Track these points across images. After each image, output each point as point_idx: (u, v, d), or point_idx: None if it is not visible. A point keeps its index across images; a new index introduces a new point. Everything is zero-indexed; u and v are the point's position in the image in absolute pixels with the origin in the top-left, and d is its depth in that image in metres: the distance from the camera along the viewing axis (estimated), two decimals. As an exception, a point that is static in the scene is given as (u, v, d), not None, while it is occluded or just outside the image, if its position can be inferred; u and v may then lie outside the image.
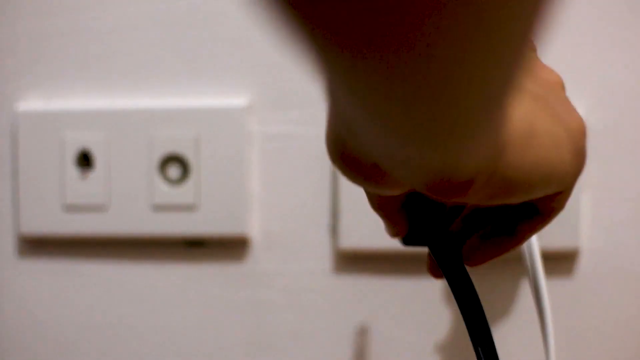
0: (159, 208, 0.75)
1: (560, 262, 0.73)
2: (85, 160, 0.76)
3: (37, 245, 0.78)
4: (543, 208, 0.48)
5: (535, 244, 0.62)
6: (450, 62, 0.29)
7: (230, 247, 0.76)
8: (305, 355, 0.75)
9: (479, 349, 0.48)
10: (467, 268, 0.51)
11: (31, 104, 0.77)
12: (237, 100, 0.75)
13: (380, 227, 0.76)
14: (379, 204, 0.50)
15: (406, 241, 0.50)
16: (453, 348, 0.74)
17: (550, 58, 0.73)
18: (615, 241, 0.72)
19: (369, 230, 0.73)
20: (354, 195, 0.73)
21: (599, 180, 0.72)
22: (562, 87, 0.49)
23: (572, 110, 0.47)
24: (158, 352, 0.77)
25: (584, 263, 0.73)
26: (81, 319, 0.78)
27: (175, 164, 0.75)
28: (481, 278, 0.73)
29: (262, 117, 0.75)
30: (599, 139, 0.72)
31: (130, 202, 0.75)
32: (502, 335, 0.73)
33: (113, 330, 0.77)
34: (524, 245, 0.63)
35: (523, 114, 0.42)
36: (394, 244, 0.73)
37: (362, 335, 0.75)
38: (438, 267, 0.50)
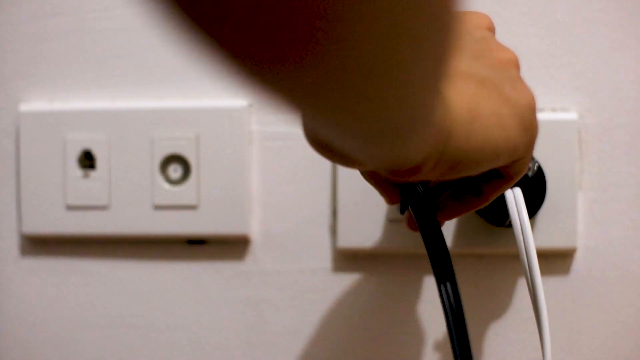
0: (160, 207, 0.75)
1: (557, 260, 0.73)
2: (87, 160, 0.76)
3: (40, 245, 0.78)
4: (504, 173, 0.52)
5: (532, 243, 0.63)
6: (361, 71, 0.30)
7: (230, 247, 0.76)
8: (305, 354, 0.76)
9: (441, 286, 0.53)
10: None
11: (33, 104, 0.77)
12: (237, 100, 0.75)
13: (380, 227, 0.76)
14: (369, 174, 0.54)
15: (402, 208, 0.55)
16: (451, 346, 0.74)
17: (548, 58, 0.74)
18: (612, 240, 0.73)
19: (368, 230, 0.73)
20: (354, 195, 0.73)
21: (595, 180, 0.73)
22: (515, 64, 0.51)
23: (520, 87, 0.50)
24: (159, 350, 0.77)
25: (580, 262, 0.73)
26: (83, 318, 0.78)
27: (176, 164, 0.75)
28: (478, 277, 0.74)
29: (262, 117, 0.76)
30: (595, 138, 0.73)
31: (132, 201, 0.76)
32: (499, 333, 0.74)
33: (115, 328, 0.78)
34: (521, 244, 0.63)
35: (466, 101, 0.45)
36: (393, 244, 0.74)
37: (362, 334, 0.75)
38: (415, 221, 0.55)
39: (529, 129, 0.49)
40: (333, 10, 0.26)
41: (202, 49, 0.29)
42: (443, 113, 0.42)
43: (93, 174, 0.76)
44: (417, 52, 0.32)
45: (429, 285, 0.74)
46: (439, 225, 0.54)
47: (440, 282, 0.53)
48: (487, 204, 0.56)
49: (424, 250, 0.73)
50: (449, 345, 0.74)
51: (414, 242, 0.72)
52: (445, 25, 0.32)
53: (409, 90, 0.34)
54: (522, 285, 0.73)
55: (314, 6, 0.26)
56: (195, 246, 0.77)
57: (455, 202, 0.57)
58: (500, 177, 0.53)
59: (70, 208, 0.76)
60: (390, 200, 0.55)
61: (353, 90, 0.31)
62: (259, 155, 0.76)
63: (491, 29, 0.53)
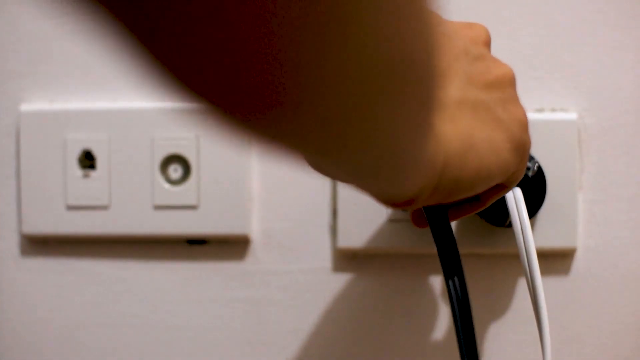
0: (160, 207, 0.75)
1: (557, 260, 0.73)
2: (87, 160, 0.76)
3: (40, 245, 0.78)
4: (501, 183, 0.53)
5: (532, 243, 0.63)
6: (335, 120, 0.31)
7: (230, 247, 0.76)
8: (305, 354, 0.76)
9: (450, 282, 0.55)
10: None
11: (34, 104, 0.77)
12: (237, 100, 0.75)
13: (380, 227, 0.76)
14: None
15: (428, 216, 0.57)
16: (452, 348, 0.74)
17: (548, 58, 0.74)
18: (612, 240, 0.73)
19: (368, 230, 0.73)
20: (354, 195, 0.73)
21: (595, 180, 0.73)
22: (511, 81, 0.51)
23: (513, 107, 0.51)
24: (160, 350, 0.77)
25: (580, 262, 0.73)
26: (84, 317, 0.78)
27: (176, 164, 0.76)
28: (478, 277, 0.74)
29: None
30: (595, 139, 0.73)
31: (132, 201, 0.76)
32: (499, 333, 0.74)
33: (115, 328, 0.78)
34: (521, 244, 0.63)
35: (460, 131, 0.46)
36: (393, 243, 0.74)
37: (362, 334, 0.75)
38: (421, 218, 0.57)
39: (521, 148, 0.51)
40: (289, 60, 0.27)
41: (184, 97, 0.29)
42: (436, 148, 0.43)
43: (93, 174, 0.76)
44: (398, 96, 0.33)
45: (429, 285, 0.74)
46: (449, 223, 0.56)
47: (448, 277, 0.55)
48: (485, 207, 0.57)
49: (424, 250, 0.73)
50: (449, 344, 0.74)
51: (414, 242, 0.72)
52: (429, 64, 0.33)
53: (396, 133, 0.35)
54: (522, 285, 0.73)
55: (268, 56, 0.27)
56: (196, 246, 0.77)
57: (454, 208, 0.58)
58: (496, 186, 0.54)
59: (71, 208, 0.76)
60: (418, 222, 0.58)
61: (333, 137, 0.32)
62: (258, 156, 0.76)
63: (488, 43, 0.53)
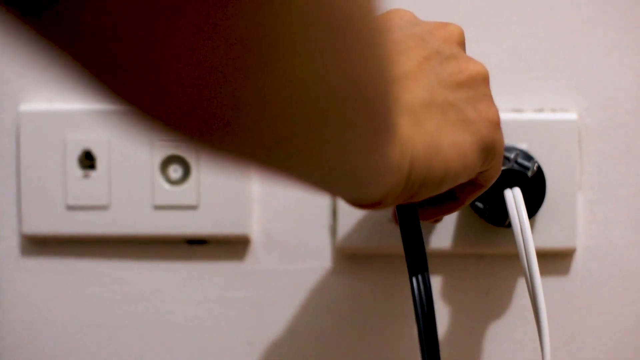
0: (160, 207, 0.75)
1: (556, 260, 0.73)
2: (87, 160, 0.76)
3: (40, 245, 0.78)
4: (474, 182, 0.54)
5: (532, 243, 0.63)
6: (283, 142, 0.31)
7: (230, 247, 0.76)
8: (305, 353, 0.76)
9: (414, 279, 0.56)
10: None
11: (34, 104, 0.77)
12: (237, 101, 0.75)
13: (380, 227, 0.76)
14: None
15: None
16: (452, 347, 0.74)
17: (547, 58, 0.74)
18: (611, 240, 0.73)
19: (368, 230, 0.73)
20: (353, 195, 0.73)
21: (594, 180, 0.73)
22: (484, 79, 0.51)
23: (484, 107, 0.51)
24: (159, 350, 0.77)
25: (579, 262, 0.73)
26: (84, 317, 0.78)
27: (176, 164, 0.76)
28: (478, 277, 0.74)
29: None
30: (595, 139, 0.73)
31: (132, 201, 0.76)
32: (499, 333, 0.74)
33: (115, 328, 0.78)
34: (520, 244, 0.63)
35: (427, 134, 0.46)
36: (393, 244, 0.74)
37: (361, 334, 0.75)
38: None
39: (490, 148, 0.51)
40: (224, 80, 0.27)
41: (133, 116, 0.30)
42: (402, 152, 0.44)
43: (93, 174, 0.76)
44: (346, 120, 0.33)
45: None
46: (417, 220, 0.56)
47: (412, 274, 0.56)
48: (464, 206, 0.58)
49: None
50: (449, 344, 0.74)
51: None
52: (379, 83, 0.33)
53: (349, 152, 0.35)
54: (521, 285, 0.73)
55: (203, 81, 0.26)
56: (196, 246, 0.77)
57: (434, 207, 0.59)
58: (471, 184, 0.55)
59: (71, 208, 0.76)
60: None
61: (282, 157, 0.32)
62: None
63: (462, 43, 0.53)
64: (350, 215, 0.73)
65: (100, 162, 0.76)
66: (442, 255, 0.73)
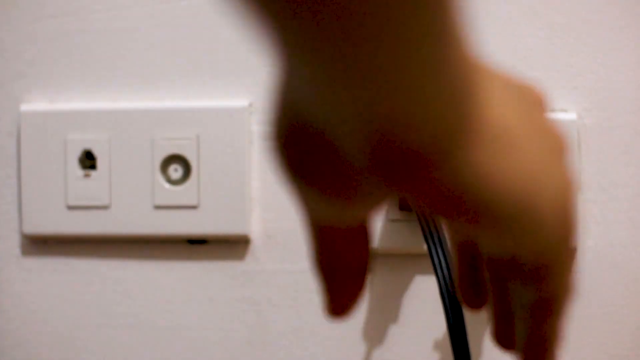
0: (161, 207, 0.76)
1: (557, 260, 0.73)
2: (88, 160, 0.77)
3: (40, 245, 0.78)
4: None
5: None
6: None
7: (230, 246, 0.76)
8: (305, 353, 0.76)
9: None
10: None
11: (34, 104, 0.78)
12: (237, 100, 0.75)
13: (379, 227, 0.76)
14: None
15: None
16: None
17: (547, 58, 0.74)
18: (611, 240, 0.73)
19: (368, 229, 0.73)
20: (353, 195, 0.73)
21: (594, 180, 0.73)
22: (540, 103, 0.42)
23: (546, 131, 0.41)
24: (160, 350, 0.77)
25: (580, 262, 0.73)
26: (84, 317, 0.78)
27: (176, 164, 0.76)
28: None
29: (262, 117, 0.76)
30: (595, 139, 0.73)
31: (133, 201, 0.76)
32: (500, 333, 0.74)
33: (115, 327, 0.78)
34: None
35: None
36: (393, 244, 0.74)
37: (361, 334, 0.75)
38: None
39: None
40: None
41: None
42: None
43: (94, 174, 0.76)
44: None
45: (429, 285, 0.74)
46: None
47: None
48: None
49: (424, 250, 0.73)
50: (449, 344, 0.74)
51: (414, 242, 0.72)
52: None
53: None
54: (521, 285, 0.73)
55: None
56: (196, 246, 0.77)
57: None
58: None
59: (71, 208, 0.76)
60: None
61: None
62: (259, 155, 0.76)
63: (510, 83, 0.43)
64: (351, 215, 0.73)
65: (100, 162, 0.76)
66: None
